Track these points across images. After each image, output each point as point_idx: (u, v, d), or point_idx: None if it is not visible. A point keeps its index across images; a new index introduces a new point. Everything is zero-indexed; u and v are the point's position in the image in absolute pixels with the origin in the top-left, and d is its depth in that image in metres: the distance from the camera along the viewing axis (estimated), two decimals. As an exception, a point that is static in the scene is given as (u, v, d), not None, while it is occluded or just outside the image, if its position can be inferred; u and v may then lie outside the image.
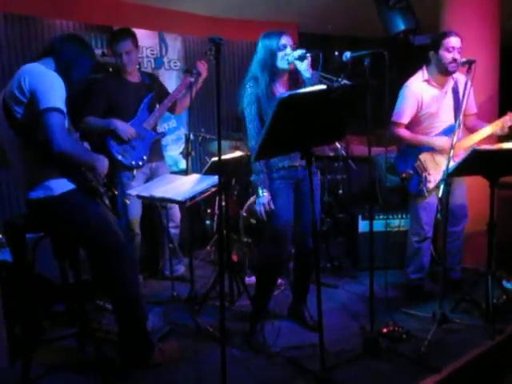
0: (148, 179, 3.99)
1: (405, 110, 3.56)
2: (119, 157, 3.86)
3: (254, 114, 3.00)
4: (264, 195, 2.96)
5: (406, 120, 3.57)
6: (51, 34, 4.58)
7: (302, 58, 2.91)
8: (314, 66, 2.95)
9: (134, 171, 3.93)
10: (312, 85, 2.78)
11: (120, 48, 3.87)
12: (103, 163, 2.77)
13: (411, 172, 3.56)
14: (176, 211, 4.27)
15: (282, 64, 2.97)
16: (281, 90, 3.04)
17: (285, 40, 2.97)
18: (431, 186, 3.51)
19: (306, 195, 3.09)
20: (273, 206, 2.97)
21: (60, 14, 4.62)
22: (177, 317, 3.49)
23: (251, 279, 3.98)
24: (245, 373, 2.79)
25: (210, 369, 2.78)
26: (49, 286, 3.19)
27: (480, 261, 3.56)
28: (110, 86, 3.94)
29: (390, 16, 4.47)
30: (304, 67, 2.92)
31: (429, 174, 3.51)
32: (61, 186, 2.62)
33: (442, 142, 3.48)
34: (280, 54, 2.96)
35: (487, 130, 3.47)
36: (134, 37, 3.95)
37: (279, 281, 4.12)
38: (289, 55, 2.95)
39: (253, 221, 4.17)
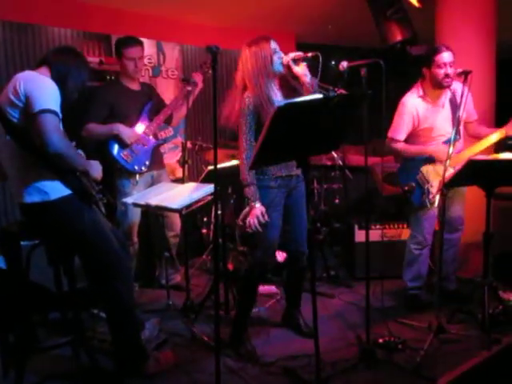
0: (150, 187, 3.96)
1: (401, 127, 3.58)
2: (122, 161, 3.83)
3: (249, 127, 2.92)
4: (257, 207, 2.88)
5: (402, 136, 3.59)
6: (49, 42, 4.61)
7: (296, 61, 2.90)
8: (312, 72, 2.93)
9: (137, 177, 3.90)
10: (312, 93, 2.76)
11: (134, 53, 3.89)
12: (97, 168, 2.77)
13: (414, 184, 3.55)
14: (176, 220, 4.24)
15: (277, 67, 2.95)
16: (278, 94, 3.02)
17: (274, 44, 2.98)
18: (433, 198, 3.51)
19: (298, 203, 3.13)
20: (267, 218, 2.90)
21: (58, 22, 4.65)
22: (172, 326, 3.48)
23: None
24: (239, 382, 2.76)
25: (204, 378, 2.77)
26: (43, 294, 3.17)
27: (476, 271, 3.56)
28: (111, 93, 3.93)
29: (387, 26, 4.50)
30: (302, 71, 2.90)
31: (431, 186, 3.51)
32: (57, 190, 2.60)
33: (438, 149, 3.48)
34: (274, 58, 2.94)
35: (492, 139, 3.45)
36: (143, 45, 4.04)
37: (275, 290, 4.12)
38: (283, 57, 2.95)
39: (249, 230, 4.15)
